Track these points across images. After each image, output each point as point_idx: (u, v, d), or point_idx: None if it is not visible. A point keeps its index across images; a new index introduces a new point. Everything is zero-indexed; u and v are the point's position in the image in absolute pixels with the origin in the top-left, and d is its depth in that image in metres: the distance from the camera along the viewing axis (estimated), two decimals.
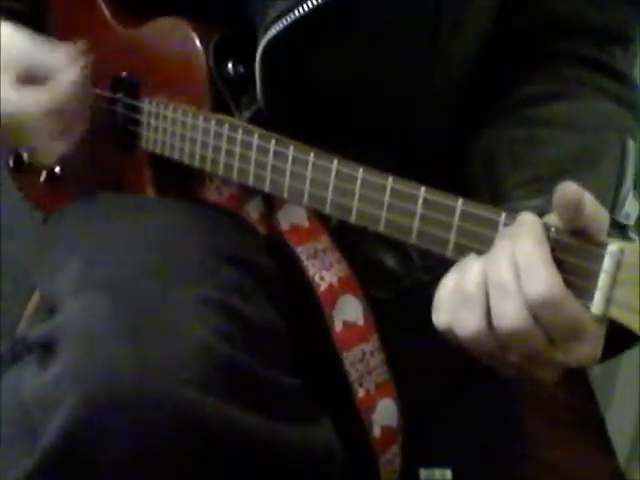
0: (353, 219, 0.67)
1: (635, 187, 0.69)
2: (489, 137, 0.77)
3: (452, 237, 0.61)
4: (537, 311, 0.55)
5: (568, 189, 0.54)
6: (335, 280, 0.80)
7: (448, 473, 0.90)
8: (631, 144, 0.72)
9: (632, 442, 1.13)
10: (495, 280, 0.56)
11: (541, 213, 0.60)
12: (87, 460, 0.62)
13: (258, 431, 0.65)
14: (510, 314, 0.55)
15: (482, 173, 0.76)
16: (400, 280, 0.84)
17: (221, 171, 0.76)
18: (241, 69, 0.79)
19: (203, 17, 0.80)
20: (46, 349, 0.67)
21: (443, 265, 0.62)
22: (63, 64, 0.79)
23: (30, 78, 0.78)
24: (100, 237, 0.75)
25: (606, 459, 0.94)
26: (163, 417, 0.61)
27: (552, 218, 0.59)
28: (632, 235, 0.65)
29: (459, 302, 0.58)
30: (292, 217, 0.81)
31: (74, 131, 0.81)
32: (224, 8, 0.80)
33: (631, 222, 0.65)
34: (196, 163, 0.79)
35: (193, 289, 0.67)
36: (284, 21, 0.72)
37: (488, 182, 0.75)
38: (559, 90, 0.77)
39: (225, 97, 0.79)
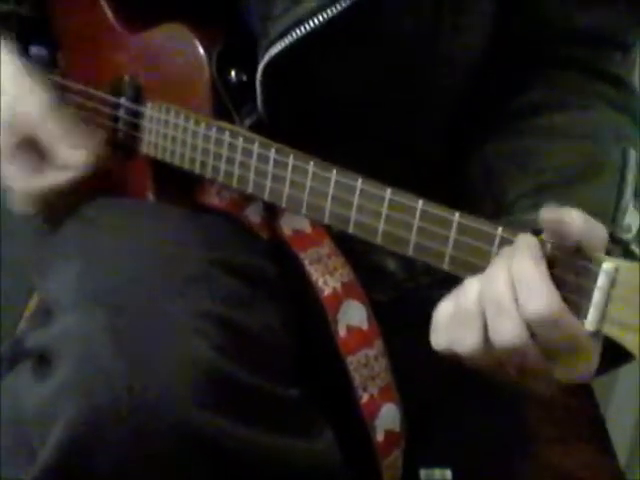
0: (351, 230, 0.67)
1: (636, 197, 0.69)
2: (489, 148, 0.77)
3: (448, 250, 0.61)
4: (535, 328, 0.55)
5: (546, 214, 0.55)
6: (339, 285, 0.80)
7: (448, 473, 0.90)
8: (632, 153, 0.72)
9: (632, 442, 1.14)
10: (491, 297, 0.57)
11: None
12: (85, 475, 0.62)
13: (258, 444, 0.66)
14: (507, 331, 0.55)
15: (483, 184, 0.76)
16: (401, 283, 0.85)
17: (221, 178, 0.77)
18: (243, 77, 0.79)
19: (206, 23, 0.80)
20: (43, 358, 0.67)
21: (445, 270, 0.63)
22: (59, 138, 0.81)
23: (28, 146, 0.81)
24: (99, 243, 0.75)
25: (606, 459, 0.94)
26: (161, 432, 0.61)
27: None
28: (634, 249, 0.65)
29: (457, 321, 0.58)
30: (295, 222, 0.81)
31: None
32: (226, 16, 0.80)
33: (632, 234, 0.66)
34: (196, 169, 0.79)
35: (192, 302, 0.67)
36: (286, 40, 0.72)
37: (489, 194, 0.75)
38: (559, 99, 0.77)
39: (227, 104, 0.79)
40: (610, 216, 0.67)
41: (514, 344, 0.55)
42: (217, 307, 0.68)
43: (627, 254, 0.64)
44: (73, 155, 0.81)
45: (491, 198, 0.75)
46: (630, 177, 0.71)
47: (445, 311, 0.60)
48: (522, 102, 0.78)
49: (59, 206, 0.84)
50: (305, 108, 0.77)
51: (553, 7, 0.77)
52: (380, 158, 0.76)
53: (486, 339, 0.57)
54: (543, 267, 0.55)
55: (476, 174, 0.78)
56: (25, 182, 0.82)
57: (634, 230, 0.66)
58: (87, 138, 0.82)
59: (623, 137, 0.75)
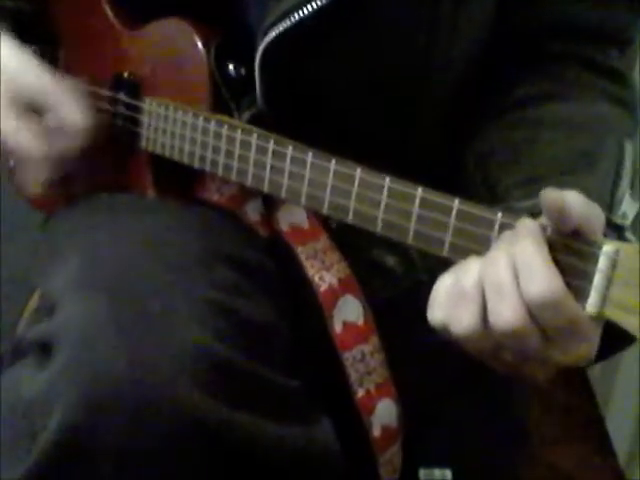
0: (350, 219, 0.67)
1: (632, 187, 0.69)
2: (485, 138, 0.77)
3: (448, 237, 0.61)
4: (536, 311, 0.55)
5: (548, 196, 0.54)
6: (335, 280, 0.80)
7: (448, 473, 0.90)
8: (628, 145, 0.72)
9: (632, 442, 1.13)
10: (492, 280, 0.56)
11: (536, 213, 0.60)
12: (84, 461, 0.62)
13: (257, 432, 0.65)
14: (507, 313, 0.55)
15: (478, 174, 0.76)
16: (400, 280, 0.84)
17: (220, 171, 0.77)
18: (242, 70, 0.79)
19: (203, 18, 0.81)
20: (44, 349, 0.67)
21: (443, 265, 0.62)
22: (62, 100, 0.80)
23: (30, 108, 0.79)
24: (99, 237, 0.75)
25: (606, 459, 0.93)
26: (160, 419, 0.61)
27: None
28: (629, 235, 0.65)
29: (455, 300, 0.58)
30: (292, 217, 0.81)
31: (62, 163, 0.82)
32: (223, 10, 0.80)
33: (628, 222, 0.65)
34: (196, 163, 0.79)
35: (192, 290, 0.67)
36: (283, 25, 0.72)
37: (484, 183, 0.75)
38: (556, 91, 0.77)
39: (225, 98, 0.79)
40: (606, 205, 0.67)
41: (514, 327, 0.55)
42: (217, 294, 0.68)
43: (622, 240, 0.64)
44: (77, 114, 0.80)
45: (485, 188, 0.75)
46: (626, 168, 0.71)
47: (444, 286, 0.59)
48: (519, 95, 0.78)
49: (66, 186, 0.84)
50: (303, 99, 0.77)
51: (551, 2, 0.77)
52: (377, 155, 0.76)
53: (484, 321, 0.56)
54: (545, 250, 0.55)
55: (471, 164, 0.78)
56: (40, 148, 0.80)
57: (630, 218, 0.66)
58: (85, 100, 0.82)
59: (620, 129, 0.75)
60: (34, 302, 0.96)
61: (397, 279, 0.84)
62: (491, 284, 0.56)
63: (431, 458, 0.90)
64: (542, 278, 0.54)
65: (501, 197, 0.72)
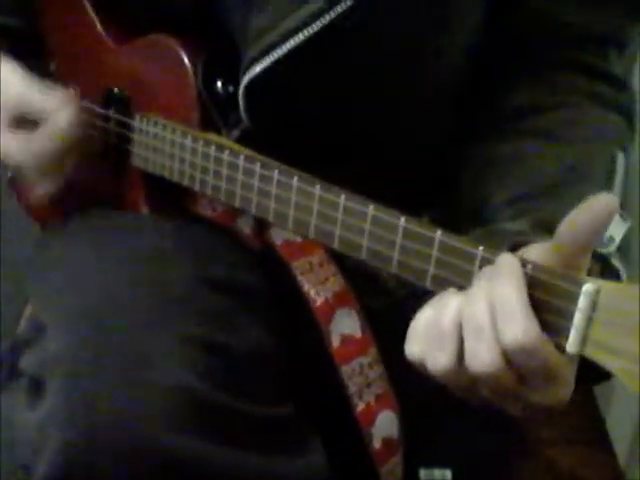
0: (336, 245, 0.67)
1: (622, 207, 0.68)
2: (476, 153, 0.77)
3: (431, 269, 0.60)
4: (511, 354, 0.55)
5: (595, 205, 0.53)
6: (330, 295, 0.79)
7: (448, 473, 0.90)
8: (620, 159, 0.71)
9: (632, 442, 1.13)
10: (470, 321, 0.56)
11: (525, 240, 0.60)
12: None
13: (244, 469, 0.66)
14: (483, 356, 0.55)
15: (468, 191, 0.76)
16: (395, 291, 0.84)
17: (209, 191, 0.76)
18: (230, 88, 0.79)
19: (192, 34, 0.80)
20: (35, 380, 0.69)
21: None
22: (54, 109, 0.80)
23: (22, 121, 0.80)
24: (87, 260, 0.76)
25: (606, 459, 0.93)
26: (144, 461, 0.62)
27: (532, 249, 0.58)
28: (615, 262, 0.64)
29: (433, 337, 0.58)
30: (285, 232, 0.81)
31: (62, 173, 0.83)
32: (210, 26, 0.80)
33: (613, 248, 0.64)
34: (185, 182, 0.79)
35: (177, 326, 0.68)
36: (267, 59, 0.72)
37: (474, 200, 0.74)
38: (552, 101, 0.76)
39: (213, 116, 0.79)
40: None
41: (489, 369, 0.55)
42: (201, 330, 0.68)
43: (607, 268, 0.63)
44: (60, 114, 0.81)
45: (475, 204, 0.74)
46: (616, 185, 0.69)
47: (423, 320, 0.58)
48: (512, 105, 0.77)
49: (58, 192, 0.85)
50: (290, 119, 0.76)
51: (546, 6, 0.76)
52: (368, 169, 0.76)
53: (460, 361, 0.56)
54: (523, 291, 0.54)
55: (463, 179, 0.77)
56: (26, 150, 0.81)
57: (616, 242, 0.64)
58: (68, 101, 0.82)
59: (614, 141, 0.74)
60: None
61: (392, 290, 0.84)
62: (469, 324, 0.56)
63: (431, 458, 0.90)
64: (519, 323, 0.53)
65: (489, 215, 0.71)
